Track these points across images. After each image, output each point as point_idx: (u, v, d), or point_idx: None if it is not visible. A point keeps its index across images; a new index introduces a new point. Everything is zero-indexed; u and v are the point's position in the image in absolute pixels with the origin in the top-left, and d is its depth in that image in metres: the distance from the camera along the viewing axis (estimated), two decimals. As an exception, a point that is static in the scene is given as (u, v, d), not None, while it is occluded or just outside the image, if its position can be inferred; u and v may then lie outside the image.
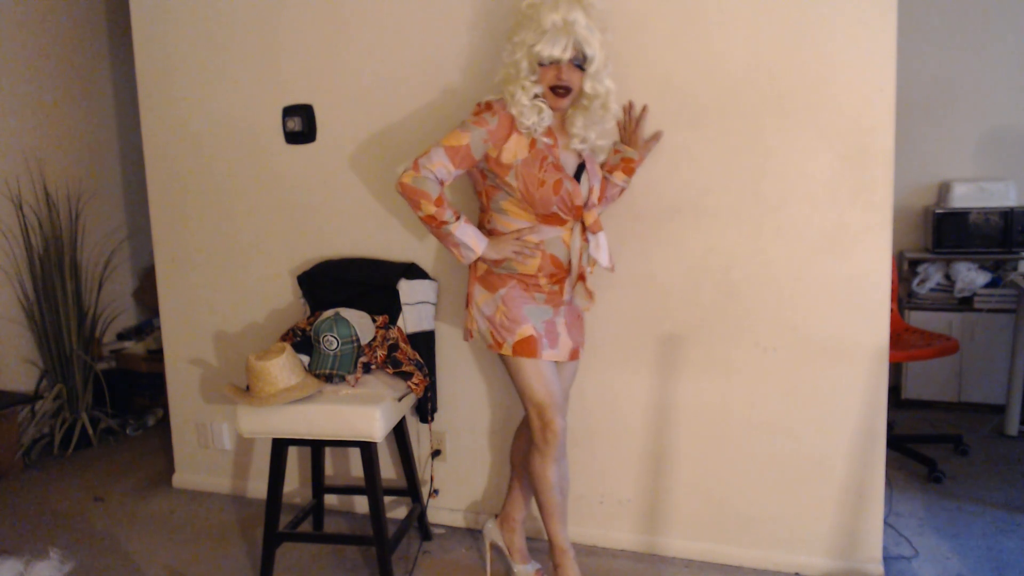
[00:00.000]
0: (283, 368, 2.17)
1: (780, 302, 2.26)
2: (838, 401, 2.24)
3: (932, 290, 3.79)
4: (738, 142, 2.24)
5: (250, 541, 2.66)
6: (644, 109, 2.28)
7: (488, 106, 2.03)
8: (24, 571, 1.90)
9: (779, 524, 2.34)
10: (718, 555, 2.41)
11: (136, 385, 3.98)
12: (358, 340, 2.30)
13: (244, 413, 2.22)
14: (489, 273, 2.11)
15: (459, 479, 2.70)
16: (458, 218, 2.03)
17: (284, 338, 2.44)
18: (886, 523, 2.54)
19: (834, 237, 2.19)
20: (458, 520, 2.72)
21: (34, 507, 2.99)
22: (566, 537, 2.15)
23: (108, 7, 4.09)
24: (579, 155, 2.10)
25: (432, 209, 1.98)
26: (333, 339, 2.25)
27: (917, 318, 3.77)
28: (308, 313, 2.59)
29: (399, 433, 2.47)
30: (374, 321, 2.41)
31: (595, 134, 2.08)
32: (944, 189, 3.85)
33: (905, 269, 3.89)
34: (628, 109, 2.28)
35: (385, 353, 2.35)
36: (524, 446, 2.22)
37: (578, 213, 2.06)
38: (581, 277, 2.11)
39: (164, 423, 3.82)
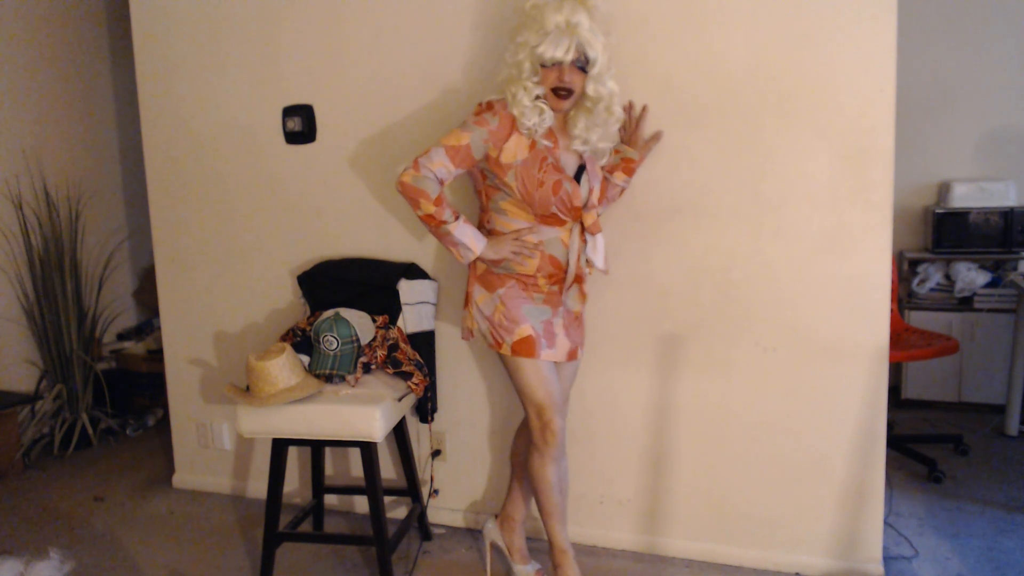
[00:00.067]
0: (283, 368, 2.17)
1: (780, 302, 2.26)
2: (838, 401, 2.24)
3: (932, 290, 3.79)
4: (738, 142, 2.24)
5: (250, 541, 2.66)
6: (644, 109, 2.28)
7: (489, 106, 2.03)
8: (24, 571, 1.90)
9: (779, 524, 2.34)
10: (718, 555, 2.41)
11: (136, 385, 3.98)
12: (358, 340, 2.30)
13: (244, 413, 2.22)
14: (488, 273, 2.11)
15: (459, 479, 2.70)
16: (457, 218, 2.03)
17: (284, 338, 2.45)
18: (886, 523, 2.54)
19: (834, 237, 2.19)
20: (458, 520, 2.72)
21: (34, 507, 2.99)
22: (566, 537, 2.15)
23: (108, 7, 4.09)
24: (580, 156, 2.10)
25: (431, 208, 1.99)
26: (333, 339, 2.25)
27: (917, 318, 3.77)
28: (308, 313, 2.59)
29: (399, 433, 2.47)
30: (374, 321, 2.41)
31: (597, 136, 2.08)
32: (944, 189, 3.85)
33: (905, 269, 3.89)
34: (628, 109, 2.28)
35: (385, 353, 2.35)
36: (524, 446, 2.22)
37: (577, 214, 2.06)
38: (578, 279, 2.11)
39: (164, 423, 3.82)
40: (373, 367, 2.35)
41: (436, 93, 2.51)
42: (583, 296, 2.16)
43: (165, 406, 3.79)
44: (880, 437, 2.22)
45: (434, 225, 2.03)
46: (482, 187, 2.14)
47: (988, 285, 3.68)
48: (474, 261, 2.12)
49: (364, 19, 2.57)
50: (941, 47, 3.87)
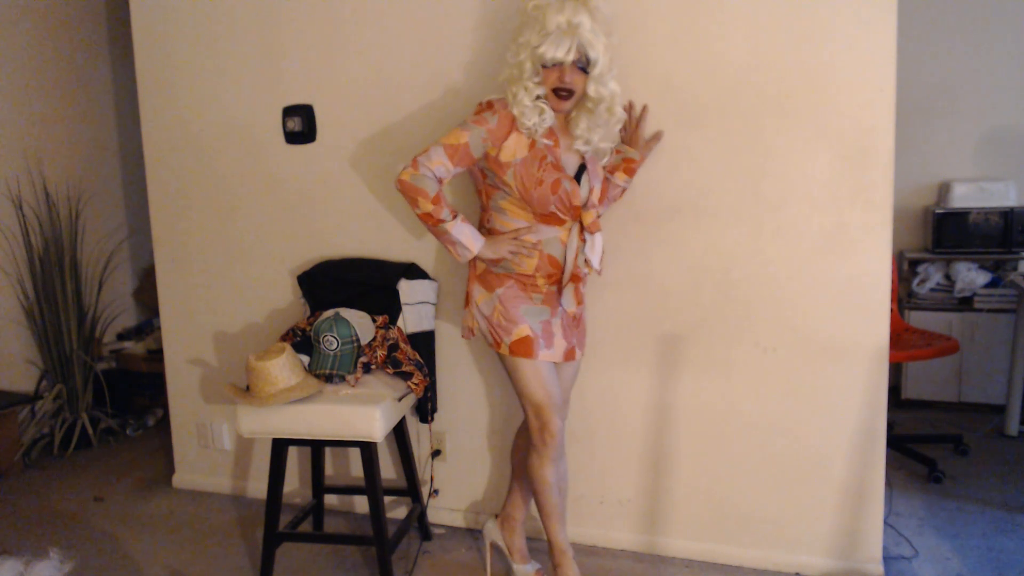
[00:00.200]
0: (283, 368, 2.17)
1: (780, 302, 2.26)
2: (838, 401, 2.24)
3: (932, 290, 3.79)
4: (738, 142, 2.24)
5: (250, 541, 2.66)
6: (644, 109, 2.28)
7: (489, 105, 2.04)
8: (24, 571, 1.90)
9: (779, 524, 2.34)
10: (718, 555, 2.41)
11: (136, 385, 3.98)
12: (358, 340, 2.30)
13: (244, 413, 2.22)
14: (488, 272, 2.12)
15: (459, 479, 2.70)
16: (455, 217, 2.03)
17: (284, 338, 2.45)
18: (886, 523, 2.54)
19: (834, 237, 2.19)
20: (458, 520, 2.72)
21: (34, 507, 2.99)
22: (565, 537, 2.15)
23: (108, 7, 4.09)
24: (581, 156, 2.10)
25: (429, 207, 1.99)
26: (333, 339, 2.25)
27: (917, 318, 3.77)
28: (308, 313, 2.59)
29: (399, 433, 2.47)
30: (374, 321, 2.41)
31: (598, 136, 2.08)
32: (944, 189, 3.85)
33: (905, 269, 3.89)
34: (629, 109, 2.28)
35: (385, 353, 2.35)
36: (525, 446, 2.22)
37: (576, 213, 2.06)
38: (575, 278, 2.11)
39: (164, 423, 3.82)
40: (373, 367, 2.35)
41: (437, 93, 2.51)
42: (579, 297, 2.15)
43: (165, 406, 3.79)
44: (880, 437, 2.22)
45: (432, 224, 2.03)
46: (482, 186, 2.14)
47: (988, 285, 3.68)
48: (473, 260, 2.12)
49: (364, 19, 2.57)
50: (941, 47, 3.88)
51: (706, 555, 2.43)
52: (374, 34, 2.57)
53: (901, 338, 3.21)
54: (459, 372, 2.63)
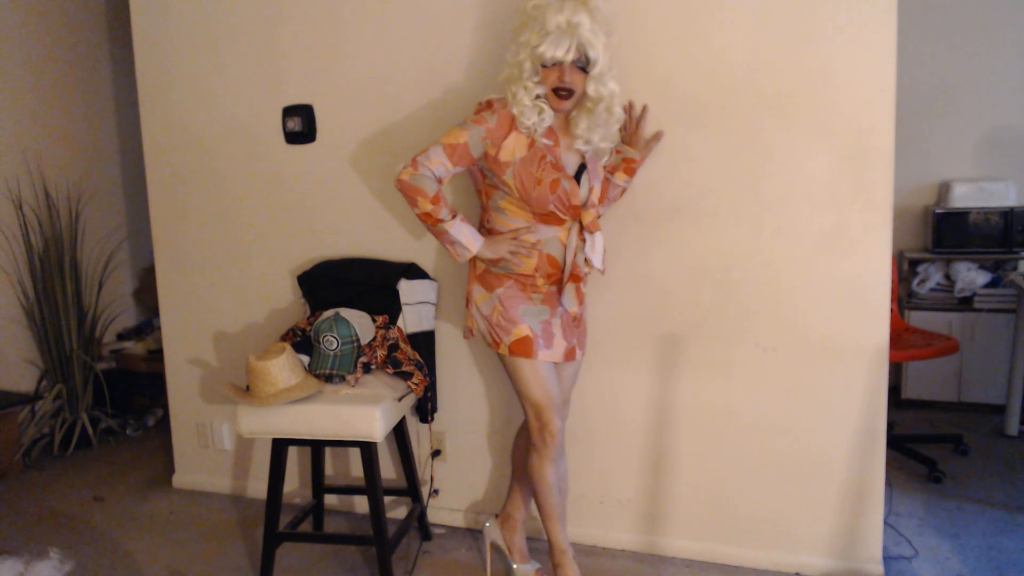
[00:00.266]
0: (283, 368, 2.17)
1: (780, 302, 2.26)
2: (838, 401, 2.24)
3: (932, 290, 3.79)
4: (738, 142, 2.24)
5: (250, 541, 2.66)
6: (644, 109, 2.28)
7: (489, 104, 2.04)
8: (24, 571, 1.90)
9: (779, 524, 2.34)
10: (718, 555, 2.41)
11: (136, 385, 3.98)
12: (358, 340, 2.30)
13: (244, 413, 2.22)
14: (487, 272, 2.12)
15: (459, 479, 2.70)
16: (454, 217, 2.03)
17: (284, 338, 2.45)
18: (886, 523, 2.54)
19: (834, 237, 2.19)
20: (458, 520, 2.72)
21: (34, 507, 2.99)
22: (565, 537, 2.15)
23: (108, 7, 4.09)
24: (582, 156, 2.10)
25: (428, 207, 1.99)
26: (333, 339, 2.25)
27: (917, 318, 3.77)
28: (308, 313, 2.59)
29: (399, 433, 2.47)
30: (374, 321, 2.41)
31: (599, 136, 2.08)
32: (944, 189, 3.85)
33: (905, 269, 3.89)
34: (628, 109, 2.28)
35: (385, 353, 2.35)
36: (525, 446, 2.22)
37: (576, 213, 2.06)
38: (575, 277, 2.11)
39: (164, 423, 3.82)
40: (373, 367, 2.35)
41: (437, 93, 2.51)
42: (580, 297, 2.15)
43: (165, 406, 3.79)
44: (880, 437, 2.22)
45: (431, 223, 2.03)
46: (482, 186, 2.14)
47: (988, 285, 3.68)
48: (473, 260, 2.12)
49: (364, 19, 2.57)
50: (941, 47, 3.88)
51: (706, 555, 2.43)
52: (374, 34, 2.57)
53: (901, 338, 3.21)
54: (459, 372, 2.63)
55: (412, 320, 2.48)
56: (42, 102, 3.75)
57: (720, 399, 2.35)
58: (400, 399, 2.30)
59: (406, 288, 2.47)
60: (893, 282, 3.28)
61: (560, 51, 1.92)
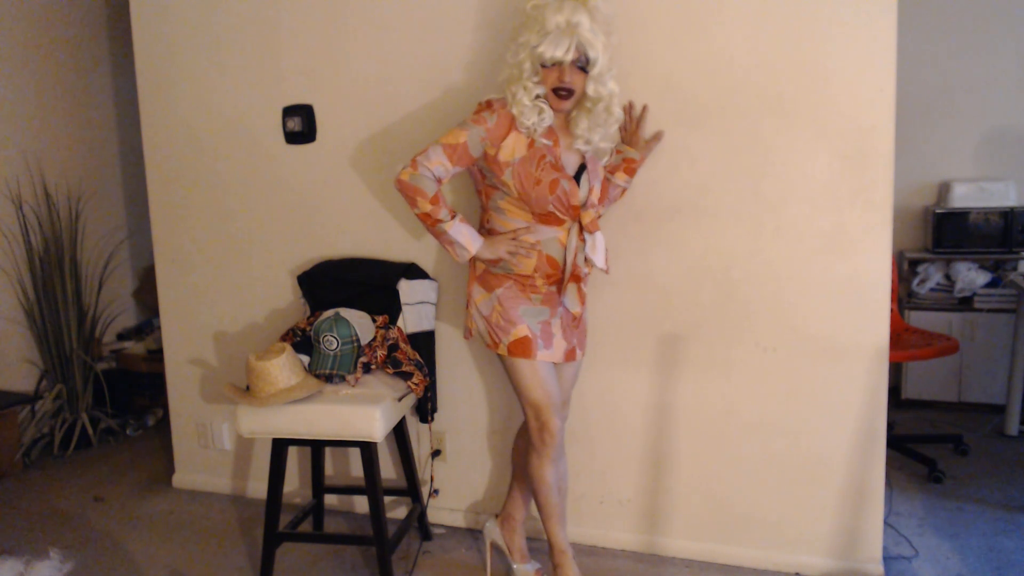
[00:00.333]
0: (283, 368, 2.18)
1: (780, 302, 2.26)
2: (838, 401, 2.24)
3: (932, 290, 3.79)
4: (738, 142, 2.24)
5: (250, 541, 2.66)
6: (644, 109, 2.28)
7: (488, 104, 2.04)
8: (24, 571, 1.91)
9: (779, 524, 2.34)
10: (718, 555, 2.41)
11: (136, 385, 3.97)
12: (358, 340, 2.30)
13: (244, 413, 2.22)
14: (487, 272, 2.12)
15: (459, 479, 2.70)
16: (453, 217, 2.03)
17: (284, 338, 2.45)
18: (886, 523, 2.54)
19: (834, 237, 2.19)
20: (458, 520, 2.72)
21: (34, 507, 2.99)
22: (565, 537, 2.15)
23: (108, 7, 4.09)
24: (582, 156, 2.10)
25: (428, 207, 1.99)
26: (333, 339, 2.25)
27: (917, 318, 3.77)
28: (308, 313, 2.59)
29: (399, 433, 2.47)
30: (374, 321, 2.41)
31: (599, 136, 2.08)
32: (944, 189, 3.85)
33: (905, 269, 3.89)
34: (628, 109, 2.28)
35: (385, 353, 2.35)
36: (525, 446, 2.22)
37: (575, 213, 2.06)
38: (575, 278, 2.11)
39: (164, 423, 3.82)
40: (373, 367, 2.35)
41: (437, 93, 2.51)
42: (582, 297, 2.15)
43: (165, 406, 3.79)
44: (880, 437, 2.22)
45: (430, 224, 2.04)
46: (481, 186, 2.14)
47: (988, 285, 3.68)
48: (473, 261, 2.12)
49: (364, 19, 2.57)
50: (941, 47, 3.88)
51: (706, 555, 2.43)
52: (374, 34, 2.57)
53: (901, 338, 3.21)
54: (459, 372, 2.63)
55: (412, 320, 2.48)
56: (42, 102, 3.75)
57: (720, 399, 2.35)
58: (400, 399, 2.30)
59: (406, 288, 2.47)
60: (893, 282, 3.28)
61: (560, 51, 1.92)
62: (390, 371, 2.36)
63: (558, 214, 2.04)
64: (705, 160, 2.27)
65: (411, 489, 2.56)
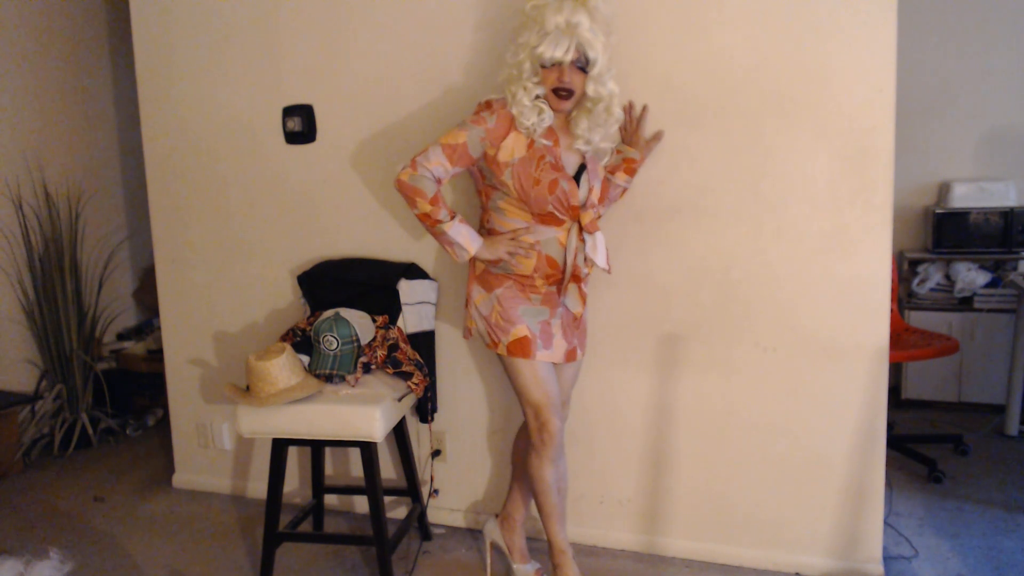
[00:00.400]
0: (283, 368, 2.18)
1: (780, 302, 2.26)
2: (838, 401, 2.24)
3: (932, 290, 3.79)
4: (738, 142, 2.24)
5: (250, 541, 2.66)
6: (644, 109, 2.28)
7: (488, 105, 2.04)
8: (24, 571, 1.91)
9: (779, 524, 2.34)
10: (718, 555, 2.41)
11: (136, 385, 3.98)
12: (358, 340, 2.30)
13: (244, 413, 2.22)
14: (486, 272, 2.12)
15: (459, 479, 2.70)
16: (453, 217, 2.03)
17: (284, 338, 2.45)
18: (886, 523, 2.54)
19: (834, 237, 2.19)
20: (458, 520, 2.72)
21: (34, 507, 2.99)
22: (564, 537, 2.15)
23: (108, 7, 4.09)
24: (582, 156, 2.10)
25: (427, 208, 1.99)
26: (333, 339, 2.25)
27: (917, 318, 3.77)
28: (308, 313, 2.59)
29: (399, 433, 2.47)
30: (374, 321, 2.41)
31: (599, 136, 2.08)
32: (944, 189, 3.85)
33: (905, 269, 3.89)
34: (628, 109, 2.28)
35: (385, 353, 2.35)
36: (525, 446, 2.22)
37: (575, 213, 2.06)
38: (576, 278, 2.11)
39: (164, 423, 3.82)
40: (373, 367, 2.35)
41: (437, 93, 2.51)
42: (582, 297, 2.15)
43: (165, 406, 3.79)
44: (880, 437, 2.22)
45: (430, 224, 2.04)
46: (481, 186, 2.14)
47: (988, 285, 3.68)
48: (473, 261, 2.12)
49: (364, 19, 2.57)
50: (941, 47, 3.87)
51: (706, 555, 2.43)
52: (374, 34, 2.57)
53: (901, 338, 3.21)
54: (459, 372, 2.63)
55: (412, 320, 2.48)
56: (42, 102, 3.75)
57: (720, 399, 2.35)
58: (400, 399, 2.30)
59: (406, 288, 2.47)
60: (893, 282, 3.28)
61: (559, 51, 1.92)
62: (390, 371, 2.36)
63: (557, 214, 2.04)
64: (705, 160, 2.27)
65: (411, 489, 2.56)
